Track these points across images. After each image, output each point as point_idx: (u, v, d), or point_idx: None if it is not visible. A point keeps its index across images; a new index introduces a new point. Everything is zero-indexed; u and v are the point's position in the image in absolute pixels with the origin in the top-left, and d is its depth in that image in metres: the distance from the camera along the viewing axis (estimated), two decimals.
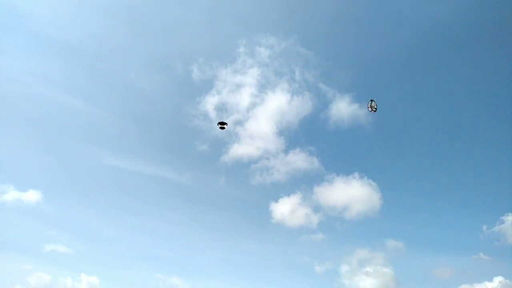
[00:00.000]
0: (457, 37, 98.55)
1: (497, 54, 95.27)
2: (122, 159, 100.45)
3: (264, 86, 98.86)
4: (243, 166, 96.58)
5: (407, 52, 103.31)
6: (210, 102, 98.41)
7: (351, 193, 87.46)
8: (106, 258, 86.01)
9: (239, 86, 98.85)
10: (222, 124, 53.06)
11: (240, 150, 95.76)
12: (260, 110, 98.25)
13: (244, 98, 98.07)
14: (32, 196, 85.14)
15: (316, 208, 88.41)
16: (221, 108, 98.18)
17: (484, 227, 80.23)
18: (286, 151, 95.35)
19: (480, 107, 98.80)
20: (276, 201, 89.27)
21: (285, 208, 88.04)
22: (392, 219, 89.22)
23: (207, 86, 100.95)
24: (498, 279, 68.37)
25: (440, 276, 79.17)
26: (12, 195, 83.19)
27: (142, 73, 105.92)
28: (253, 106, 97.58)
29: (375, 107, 50.24)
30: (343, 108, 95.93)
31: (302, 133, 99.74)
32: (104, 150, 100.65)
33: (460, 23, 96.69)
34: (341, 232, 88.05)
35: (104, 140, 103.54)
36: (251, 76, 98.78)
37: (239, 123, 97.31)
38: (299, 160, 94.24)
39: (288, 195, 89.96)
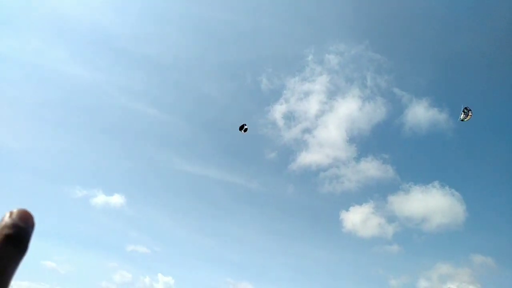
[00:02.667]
0: None
1: None
2: (194, 165, 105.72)
3: (333, 93, 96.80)
4: (312, 174, 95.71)
5: (492, 48, 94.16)
6: (278, 111, 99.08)
7: (431, 204, 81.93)
8: (180, 259, 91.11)
9: (307, 94, 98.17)
10: (242, 127, 52.75)
11: (309, 158, 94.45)
12: (330, 117, 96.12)
13: (312, 105, 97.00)
14: (117, 199, 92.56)
15: (391, 218, 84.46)
16: (289, 116, 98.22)
17: None
18: (357, 159, 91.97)
19: None
20: (347, 209, 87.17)
21: (357, 217, 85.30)
22: (479, 232, 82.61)
23: (275, 95, 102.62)
24: None
25: None
26: (100, 198, 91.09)
27: (214, 83, 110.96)
28: (321, 113, 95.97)
29: (469, 114, 44.13)
30: (420, 113, 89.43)
31: (375, 140, 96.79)
32: (177, 156, 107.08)
33: None
34: (419, 245, 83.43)
35: (177, 146, 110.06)
36: (320, 84, 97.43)
37: (307, 131, 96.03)
38: (371, 168, 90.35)
39: (360, 204, 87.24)
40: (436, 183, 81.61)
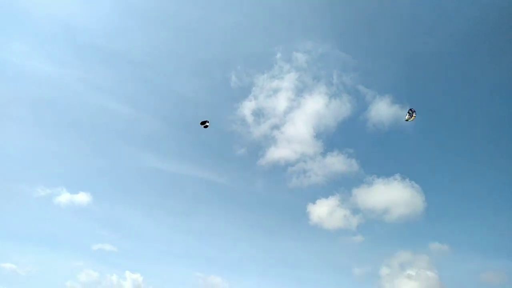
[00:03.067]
0: (506, 32, 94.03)
1: None
2: (164, 162, 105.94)
3: (301, 90, 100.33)
4: (280, 169, 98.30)
5: (450, 49, 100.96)
6: (247, 108, 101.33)
7: (392, 196, 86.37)
8: (149, 256, 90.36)
9: (276, 91, 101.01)
10: (203, 123, 54.45)
11: (277, 153, 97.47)
12: (297, 114, 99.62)
13: (281, 102, 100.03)
14: (82, 198, 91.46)
15: (355, 210, 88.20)
16: (258, 113, 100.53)
17: None
18: (324, 154, 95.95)
19: None
20: (314, 202, 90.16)
21: (323, 210, 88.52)
22: (437, 222, 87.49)
23: (245, 92, 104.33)
24: None
25: (489, 281, 75.70)
26: (65, 197, 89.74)
27: (184, 79, 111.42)
28: (290, 110, 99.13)
29: (413, 115, 48.92)
30: (383, 110, 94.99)
31: (340, 136, 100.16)
32: (146, 153, 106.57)
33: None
34: (381, 235, 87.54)
35: (146, 143, 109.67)
36: (288, 81, 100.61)
37: (276, 127, 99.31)
38: (337, 162, 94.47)
39: (326, 197, 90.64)
40: (397, 175, 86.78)
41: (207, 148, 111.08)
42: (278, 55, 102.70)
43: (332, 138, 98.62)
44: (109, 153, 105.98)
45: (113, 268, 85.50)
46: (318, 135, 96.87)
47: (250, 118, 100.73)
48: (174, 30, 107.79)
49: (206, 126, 55.78)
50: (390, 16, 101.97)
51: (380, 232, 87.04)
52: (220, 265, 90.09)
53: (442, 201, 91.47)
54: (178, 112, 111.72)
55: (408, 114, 49.01)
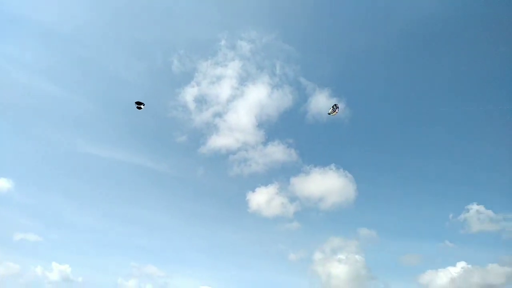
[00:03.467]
0: (438, 33, 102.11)
1: (477, 51, 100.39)
2: (99, 147, 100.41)
3: (244, 79, 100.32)
4: (222, 157, 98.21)
5: (386, 47, 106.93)
6: (189, 94, 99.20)
7: (328, 184, 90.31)
8: (80, 246, 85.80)
9: (219, 78, 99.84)
10: (138, 104, 53.63)
11: (219, 141, 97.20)
12: (240, 103, 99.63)
13: (224, 90, 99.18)
14: (3, 184, 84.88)
15: (293, 198, 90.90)
16: (200, 99, 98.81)
17: (451, 215, 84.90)
18: (265, 143, 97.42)
19: (452, 102, 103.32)
20: (253, 190, 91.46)
21: (262, 198, 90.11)
22: (366, 209, 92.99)
23: (187, 78, 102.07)
24: (460, 265, 72.92)
25: (408, 263, 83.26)
26: None
27: (122, 60, 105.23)
28: (233, 98, 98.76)
29: (336, 111, 52.86)
30: (322, 102, 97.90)
31: (282, 126, 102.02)
32: (80, 138, 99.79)
33: (442, 19, 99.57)
34: (316, 222, 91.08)
35: (80, 127, 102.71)
36: (232, 69, 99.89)
37: (218, 115, 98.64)
38: (277, 151, 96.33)
39: (266, 185, 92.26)
40: (332, 165, 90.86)
41: (146, 134, 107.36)
42: (223, 42, 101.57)
43: (274, 128, 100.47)
44: (35, 136, 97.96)
45: (37, 260, 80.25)
46: (260, 125, 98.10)
47: (192, 105, 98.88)
48: (112, 7, 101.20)
49: (139, 108, 53.86)
50: (331, 12, 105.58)
51: (315, 219, 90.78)
52: (157, 254, 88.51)
53: (372, 190, 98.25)
54: (115, 95, 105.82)
55: (331, 108, 52.55)
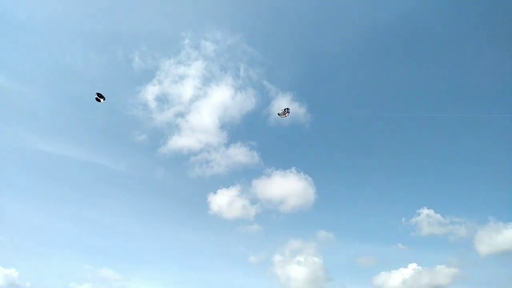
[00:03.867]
0: (396, 40, 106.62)
1: (430, 58, 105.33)
2: (51, 143, 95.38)
3: (208, 80, 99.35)
4: (183, 158, 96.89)
5: (347, 52, 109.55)
6: (150, 92, 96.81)
7: (288, 187, 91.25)
8: (28, 248, 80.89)
9: (182, 78, 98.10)
10: (99, 96, 52.19)
11: (180, 142, 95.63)
12: (203, 103, 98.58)
13: (187, 90, 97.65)
14: None
15: (254, 201, 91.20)
16: (162, 98, 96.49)
17: (403, 219, 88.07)
18: (227, 145, 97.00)
19: (406, 107, 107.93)
20: (215, 192, 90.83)
21: (223, 200, 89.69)
22: (325, 212, 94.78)
23: (148, 75, 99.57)
24: (412, 266, 76.41)
25: (363, 264, 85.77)
26: None
27: (79, 53, 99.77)
28: (196, 98, 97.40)
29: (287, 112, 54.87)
30: (284, 106, 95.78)
31: (244, 128, 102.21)
32: (31, 133, 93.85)
33: (399, 27, 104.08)
34: (276, 224, 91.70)
35: (31, 121, 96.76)
36: (195, 69, 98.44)
37: (180, 115, 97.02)
38: (239, 154, 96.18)
39: (227, 187, 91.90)
40: (293, 169, 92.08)
41: (103, 131, 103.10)
42: (186, 41, 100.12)
43: (236, 130, 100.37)
44: None
45: None
46: (223, 126, 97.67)
47: (153, 103, 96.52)
48: None
49: (98, 100, 51.97)
50: (294, 17, 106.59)
51: (275, 222, 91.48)
52: (113, 256, 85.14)
53: (330, 193, 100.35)
54: (70, 89, 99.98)
55: (283, 110, 54.51)
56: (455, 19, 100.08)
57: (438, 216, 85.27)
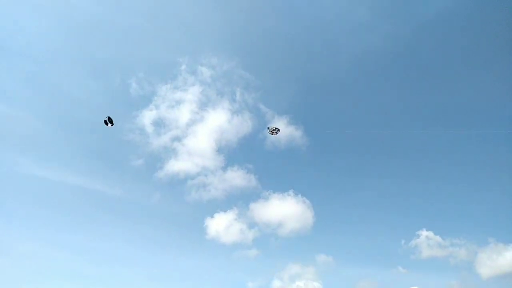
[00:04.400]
0: (388, 65, 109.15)
1: (421, 79, 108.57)
2: (46, 168, 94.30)
3: (205, 104, 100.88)
4: (179, 182, 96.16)
5: (341, 77, 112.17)
6: (147, 117, 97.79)
7: (286, 210, 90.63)
8: (20, 276, 77.89)
9: (179, 102, 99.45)
10: (109, 121, 53.25)
11: (177, 166, 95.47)
12: (200, 127, 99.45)
13: (183, 114, 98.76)
14: None
15: (251, 224, 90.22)
16: (159, 123, 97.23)
17: (403, 241, 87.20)
18: (224, 168, 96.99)
19: (405, 128, 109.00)
20: (212, 216, 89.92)
21: (220, 224, 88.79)
22: (323, 235, 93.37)
23: (145, 101, 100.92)
24: None
25: None
26: None
27: (76, 79, 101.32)
28: (192, 122, 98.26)
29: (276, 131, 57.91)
30: (281, 129, 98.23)
31: (241, 151, 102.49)
32: (24, 157, 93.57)
33: (390, 51, 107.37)
34: (274, 248, 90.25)
35: (24, 146, 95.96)
36: (192, 94, 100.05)
37: (177, 139, 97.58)
38: (237, 177, 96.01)
39: (225, 211, 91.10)
40: (291, 191, 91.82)
41: (99, 157, 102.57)
42: (183, 67, 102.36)
43: (233, 153, 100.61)
44: None
45: None
46: (219, 150, 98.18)
47: (150, 128, 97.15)
48: (68, 22, 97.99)
49: (106, 124, 53.53)
50: (289, 42, 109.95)
51: (273, 246, 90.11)
52: (109, 283, 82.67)
53: (328, 216, 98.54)
54: (66, 114, 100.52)
55: (274, 128, 58.05)
56: (446, 44, 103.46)
57: (438, 238, 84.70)
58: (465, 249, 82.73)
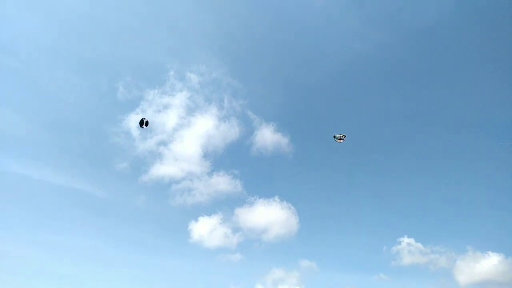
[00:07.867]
0: (376, 73, 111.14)
1: (409, 86, 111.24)
2: (27, 166, 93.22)
3: (192, 110, 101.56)
4: (164, 186, 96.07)
5: (327, 85, 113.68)
6: (133, 121, 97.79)
7: (271, 216, 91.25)
8: None
9: (166, 107, 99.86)
10: (146, 124, 54.18)
11: (162, 170, 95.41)
12: (187, 132, 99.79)
13: (170, 119, 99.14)
14: None
15: (236, 229, 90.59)
16: (145, 127, 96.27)
17: (384, 247, 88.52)
18: (210, 174, 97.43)
19: (388, 138, 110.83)
20: (196, 220, 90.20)
21: (205, 228, 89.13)
22: (307, 241, 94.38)
23: (132, 105, 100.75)
24: None
25: None
26: None
27: (62, 77, 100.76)
28: (179, 127, 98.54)
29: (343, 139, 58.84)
30: (267, 136, 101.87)
31: (227, 157, 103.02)
32: (5, 155, 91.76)
33: (378, 58, 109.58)
34: (258, 253, 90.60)
35: (8, 144, 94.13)
36: (179, 99, 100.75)
37: (163, 143, 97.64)
38: (222, 182, 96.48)
39: (209, 215, 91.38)
40: (276, 197, 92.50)
41: (83, 157, 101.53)
42: (171, 73, 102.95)
43: (220, 159, 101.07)
44: None
45: None
46: (206, 155, 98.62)
47: (135, 132, 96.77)
48: (55, 17, 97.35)
49: (141, 124, 56.51)
50: (277, 51, 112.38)
51: (257, 251, 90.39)
52: (89, 284, 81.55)
53: (313, 223, 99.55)
54: (51, 113, 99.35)
55: (339, 136, 59.08)
56: (435, 53, 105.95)
57: (419, 245, 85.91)
58: (445, 256, 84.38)
